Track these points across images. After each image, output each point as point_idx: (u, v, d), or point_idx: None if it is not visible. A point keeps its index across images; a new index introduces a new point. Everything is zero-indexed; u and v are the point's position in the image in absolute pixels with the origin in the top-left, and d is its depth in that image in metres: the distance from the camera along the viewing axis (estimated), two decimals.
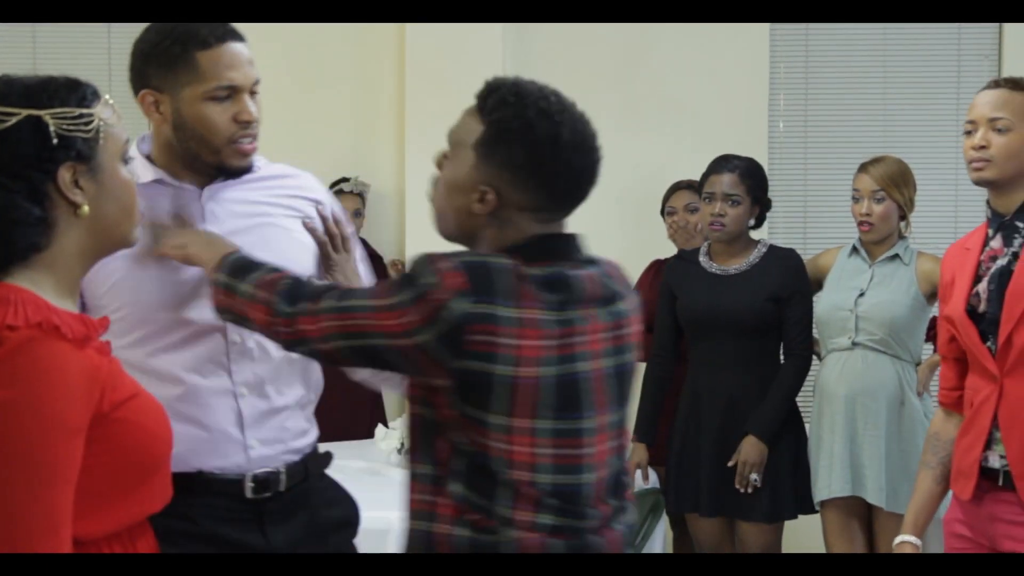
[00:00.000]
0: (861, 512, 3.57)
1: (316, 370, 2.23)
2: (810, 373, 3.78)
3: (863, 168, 3.63)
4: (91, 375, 1.50)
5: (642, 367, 3.82)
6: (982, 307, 2.60)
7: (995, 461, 2.56)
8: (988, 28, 4.81)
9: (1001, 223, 2.62)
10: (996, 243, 2.62)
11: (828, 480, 3.55)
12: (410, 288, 1.65)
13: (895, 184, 3.57)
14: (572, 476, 1.71)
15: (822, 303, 3.68)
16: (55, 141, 1.52)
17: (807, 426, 3.73)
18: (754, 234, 3.83)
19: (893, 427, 3.49)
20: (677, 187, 4.28)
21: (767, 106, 4.83)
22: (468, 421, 1.67)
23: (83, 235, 1.57)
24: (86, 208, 1.55)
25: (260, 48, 5.53)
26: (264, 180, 2.20)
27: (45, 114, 1.52)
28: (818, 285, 3.77)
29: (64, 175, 1.53)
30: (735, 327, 3.64)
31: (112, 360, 1.59)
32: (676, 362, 3.86)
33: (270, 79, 5.28)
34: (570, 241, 1.78)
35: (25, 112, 1.52)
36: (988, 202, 2.64)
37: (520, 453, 1.67)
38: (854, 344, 3.56)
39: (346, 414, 4.65)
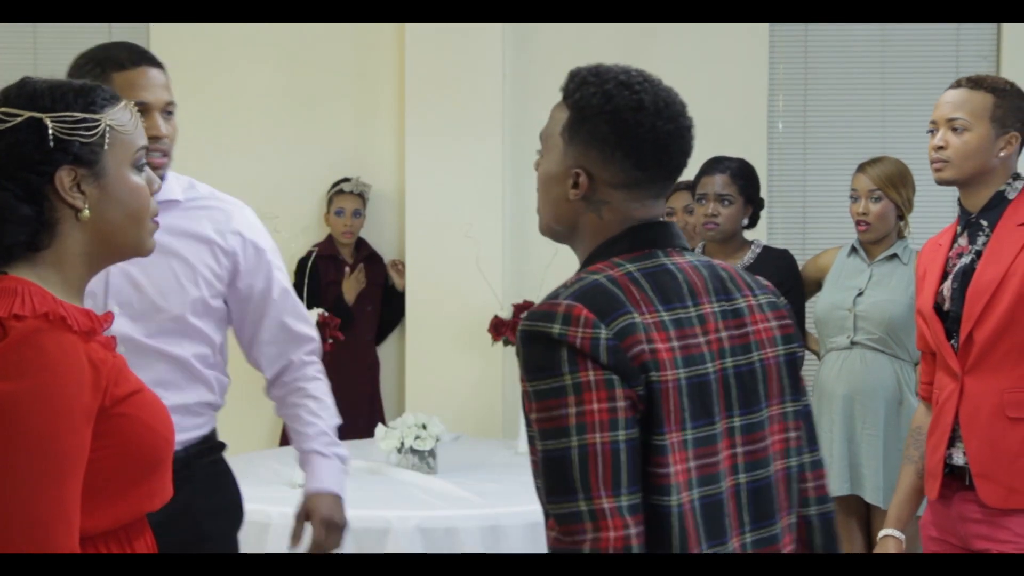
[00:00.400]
0: (860, 511, 3.58)
1: (218, 378, 2.44)
2: (808, 372, 3.78)
3: (861, 168, 3.65)
4: (97, 367, 1.51)
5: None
6: (946, 305, 2.62)
7: (959, 459, 2.58)
8: (987, 28, 4.81)
9: (968, 221, 2.64)
10: (963, 240, 2.65)
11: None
12: (552, 357, 1.57)
13: (893, 184, 3.58)
14: (710, 487, 1.63)
15: (821, 302, 3.69)
16: (51, 144, 1.53)
17: None
18: (750, 235, 3.84)
19: (891, 426, 3.50)
20: (676, 188, 4.27)
21: (766, 106, 4.84)
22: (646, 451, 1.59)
23: (87, 238, 1.58)
24: (87, 212, 1.56)
25: (260, 48, 5.59)
26: (190, 206, 2.40)
27: (46, 117, 1.54)
28: (818, 285, 3.78)
29: (63, 178, 1.54)
30: None
31: (116, 355, 1.60)
32: None
33: (270, 79, 5.34)
34: (668, 229, 1.73)
35: (27, 114, 1.53)
36: (959, 200, 2.67)
37: (680, 473, 1.59)
38: (853, 343, 3.57)
39: (343, 414, 4.66)
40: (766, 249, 3.77)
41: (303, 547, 2.40)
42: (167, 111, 2.34)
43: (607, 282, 1.62)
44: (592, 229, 1.71)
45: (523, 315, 1.63)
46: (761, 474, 1.69)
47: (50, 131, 1.53)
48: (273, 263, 2.46)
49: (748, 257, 3.74)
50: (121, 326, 2.19)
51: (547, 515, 1.59)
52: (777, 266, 3.70)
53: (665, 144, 1.69)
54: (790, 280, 3.69)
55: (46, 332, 1.47)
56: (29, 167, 1.53)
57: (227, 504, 2.42)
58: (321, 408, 2.51)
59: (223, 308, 2.41)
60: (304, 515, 2.39)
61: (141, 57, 2.30)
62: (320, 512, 2.37)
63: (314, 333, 2.55)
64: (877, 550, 2.76)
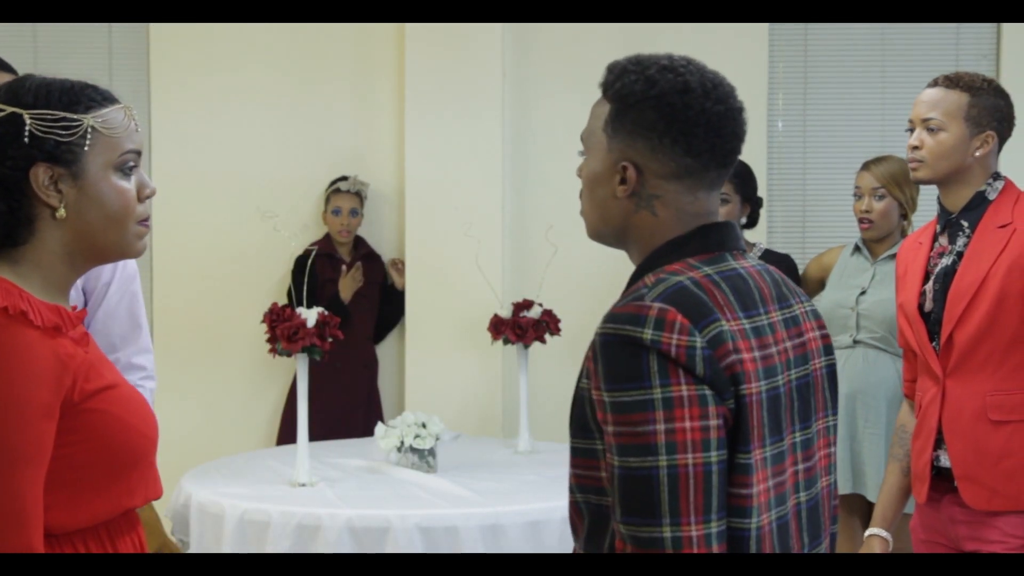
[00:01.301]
0: (862, 510, 3.59)
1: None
2: None
3: (865, 166, 3.65)
4: (61, 362, 1.50)
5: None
6: (928, 306, 2.62)
7: (946, 461, 2.58)
8: (986, 28, 4.81)
9: (948, 221, 2.64)
10: (943, 240, 2.65)
11: None
12: (640, 366, 1.45)
13: (896, 183, 3.58)
14: (783, 507, 1.55)
15: (824, 301, 3.70)
16: (27, 139, 1.54)
17: None
18: (752, 236, 3.85)
19: (893, 425, 3.50)
20: None
21: (766, 105, 4.84)
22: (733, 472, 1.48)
23: (66, 237, 1.59)
24: (62, 211, 1.56)
25: (260, 48, 5.58)
26: None
27: (25, 113, 1.54)
28: (821, 284, 3.79)
29: (38, 175, 1.55)
30: None
31: (90, 351, 1.59)
32: None
33: (270, 79, 5.33)
34: (729, 229, 1.63)
35: (9, 109, 1.55)
36: (938, 198, 2.67)
37: (762, 493, 1.50)
38: (855, 342, 3.57)
39: (342, 413, 4.67)
40: (767, 252, 3.77)
41: None
42: None
43: (692, 285, 1.51)
44: (647, 228, 1.60)
45: (605, 317, 1.50)
46: (814, 492, 1.62)
47: (27, 127, 1.54)
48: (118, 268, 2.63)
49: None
50: None
51: (622, 536, 1.46)
52: (778, 266, 3.70)
53: (717, 126, 1.57)
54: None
55: (3, 327, 1.47)
56: (3, 162, 1.53)
57: None
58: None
59: None
60: None
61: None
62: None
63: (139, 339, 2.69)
64: (863, 550, 2.75)
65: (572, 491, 1.58)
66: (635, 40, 4.81)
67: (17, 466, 1.44)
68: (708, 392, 1.45)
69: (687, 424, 1.43)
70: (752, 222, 3.81)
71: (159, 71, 4.87)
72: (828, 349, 1.69)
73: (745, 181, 3.75)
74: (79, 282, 2.38)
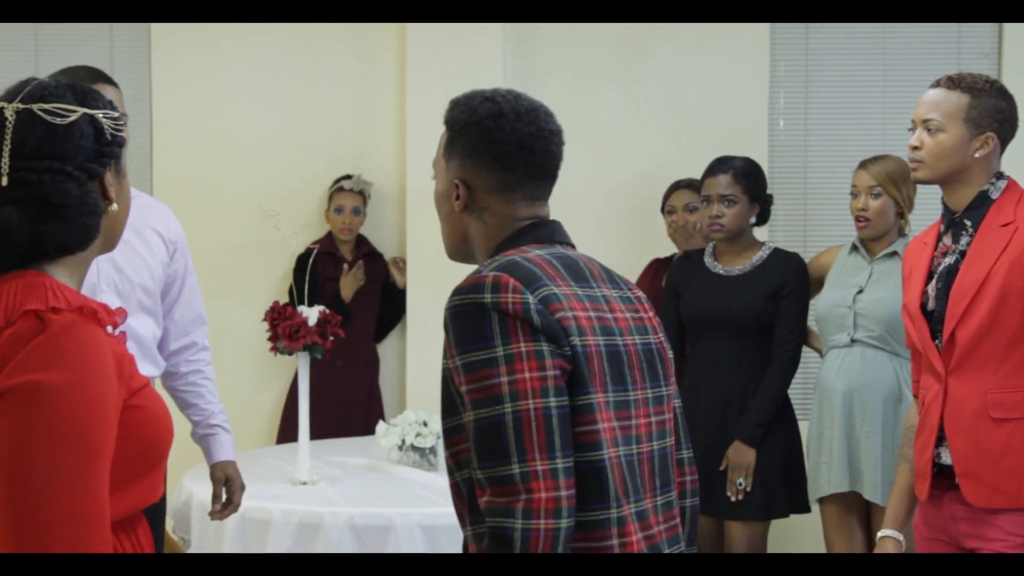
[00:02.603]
0: (860, 508, 3.59)
1: (158, 360, 2.92)
2: (810, 370, 3.79)
3: (862, 165, 3.65)
4: (119, 360, 1.55)
5: None
6: (931, 305, 2.63)
7: (948, 458, 2.59)
8: (988, 28, 4.82)
9: (951, 220, 2.65)
10: (947, 240, 2.65)
11: (827, 476, 3.57)
12: (483, 328, 1.68)
13: (893, 181, 3.58)
14: (632, 447, 1.77)
15: (822, 300, 3.70)
16: (109, 138, 1.59)
17: (806, 423, 3.74)
18: (755, 234, 3.85)
19: (890, 424, 3.51)
20: (677, 186, 4.30)
21: (767, 104, 4.84)
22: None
23: (102, 231, 1.63)
24: (115, 206, 1.62)
25: (261, 48, 5.59)
26: (139, 204, 2.80)
27: (97, 113, 1.59)
28: (819, 283, 3.79)
29: (110, 172, 1.61)
30: (735, 327, 3.69)
31: (128, 350, 1.63)
32: (680, 361, 3.88)
33: (271, 79, 5.34)
34: (557, 226, 1.88)
35: (81, 110, 1.58)
36: (942, 198, 2.67)
37: (607, 430, 1.72)
38: (853, 341, 3.57)
39: (342, 411, 4.67)
40: (776, 251, 3.78)
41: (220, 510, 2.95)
42: None
43: (523, 260, 1.75)
44: (481, 236, 1.86)
45: (450, 295, 1.73)
46: (666, 443, 1.85)
47: (105, 126, 1.59)
48: (188, 254, 3.01)
49: (757, 258, 3.76)
50: (113, 303, 2.51)
51: (479, 483, 1.67)
52: (785, 266, 3.73)
53: (528, 146, 1.82)
54: (795, 281, 3.71)
55: (82, 325, 1.50)
56: (93, 160, 1.58)
57: None
58: (215, 392, 3.08)
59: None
60: (224, 480, 2.97)
61: (98, 76, 2.72)
62: (239, 478, 2.98)
63: (206, 317, 3.07)
64: (876, 551, 2.76)
65: (452, 473, 1.76)
66: (635, 40, 4.82)
67: (99, 461, 1.48)
68: (545, 347, 1.67)
69: (527, 375, 1.65)
70: (762, 220, 3.82)
71: (160, 71, 4.88)
72: (659, 330, 1.90)
73: (753, 181, 3.76)
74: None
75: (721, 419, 3.68)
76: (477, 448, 1.66)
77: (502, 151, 1.82)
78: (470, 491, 1.72)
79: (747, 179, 3.75)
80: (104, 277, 2.74)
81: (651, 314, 1.89)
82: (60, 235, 1.55)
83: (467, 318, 1.69)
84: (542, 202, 1.88)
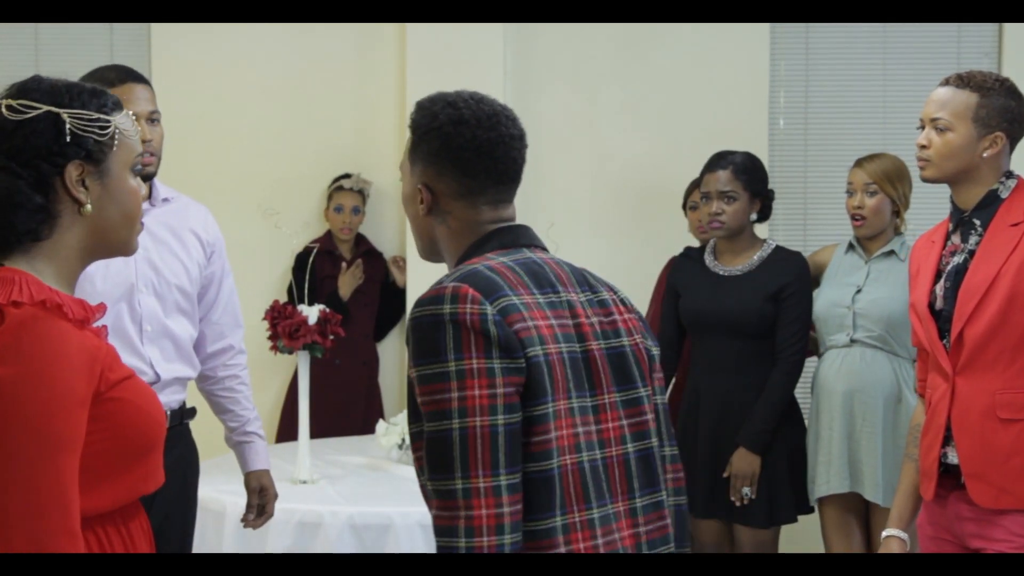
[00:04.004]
0: (859, 508, 3.59)
1: (194, 360, 2.89)
2: (809, 370, 3.78)
3: (858, 163, 3.65)
4: (92, 354, 1.56)
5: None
6: (939, 304, 2.62)
7: (954, 458, 2.58)
8: (988, 28, 4.82)
9: (960, 219, 2.64)
10: (956, 239, 2.65)
11: (826, 476, 3.56)
12: (439, 341, 1.68)
13: (889, 179, 3.58)
14: (596, 452, 1.78)
15: (820, 300, 3.69)
16: (68, 138, 1.60)
17: (807, 423, 3.73)
18: (760, 233, 3.82)
19: (889, 424, 3.50)
20: (698, 183, 4.28)
21: (767, 103, 4.85)
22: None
23: (84, 233, 1.65)
24: (89, 207, 1.63)
25: (262, 48, 5.59)
26: (177, 205, 2.89)
27: (64, 112, 1.61)
28: (816, 282, 3.78)
29: (71, 172, 1.61)
30: (735, 328, 3.63)
31: (109, 344, 1.65)
32: (680, 361, 3.86)
33: (271, 78, 5.34)
34: (523, 230, 1.88)
35: (46, 108, 1.60)
36: (951, 197, 2.67)
37: (565, 437, 1.73)
38: (852, 341, 3.57)
39: (341, 410, 4.67)
40: (778, 249, 3.72)
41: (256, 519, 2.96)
42: (151, 119, 2.74)
43: (485, 269, 1.76)
44: (447, 239, 1.88)
45: (413, 305, 1.74)
46: (647, 444, 1.84)
47: (68, 126, 1.60)
48: (225, 256, 3.02)
49: (757, 257, 3.70)
50: (150, 304, 2.73)
51: (428, 494, 1.71)
52: (785, 267, 3.67)
53: (488, 151, 1.83)
54: (798, 282, 3.65)
55: (42, 319, 1.53)
56: (44, 157, 1.59)
57: (187, 453, 2.88)
58: (250, 397, 3.04)
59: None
60: (259, 490, 2.96)
61: (128, 75, 2.73)
62: (273, 487, 2.99)
63: (242, 320, 3.07)
64: (881, 550, 2.75)
65: (419, 475, 1.79)
66: (635, 40, 4.82)
67: (60, 454, 1.50)
68: (497, 364, 1.68)
69: (476, 392, 1.66)
70: (764, 215, 3.76)
71: (160, 71, 4.88)
72: (644, 329, 1.90)
73: (754, 177, 3.69)
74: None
75: (722, 422, 3.64)
76: (428, 460, 1.69)
77: (462, 157, 1.83)
78: None
79: (747, 175, 3.68)
80: (142, 278, 2.73)
81: (629, 315, 1.89)
82: None
83: (425, 330, 1.69)
84: (506, 204, 1.89)
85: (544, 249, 1.89)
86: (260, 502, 2.97)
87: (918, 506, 2.76)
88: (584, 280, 1.87)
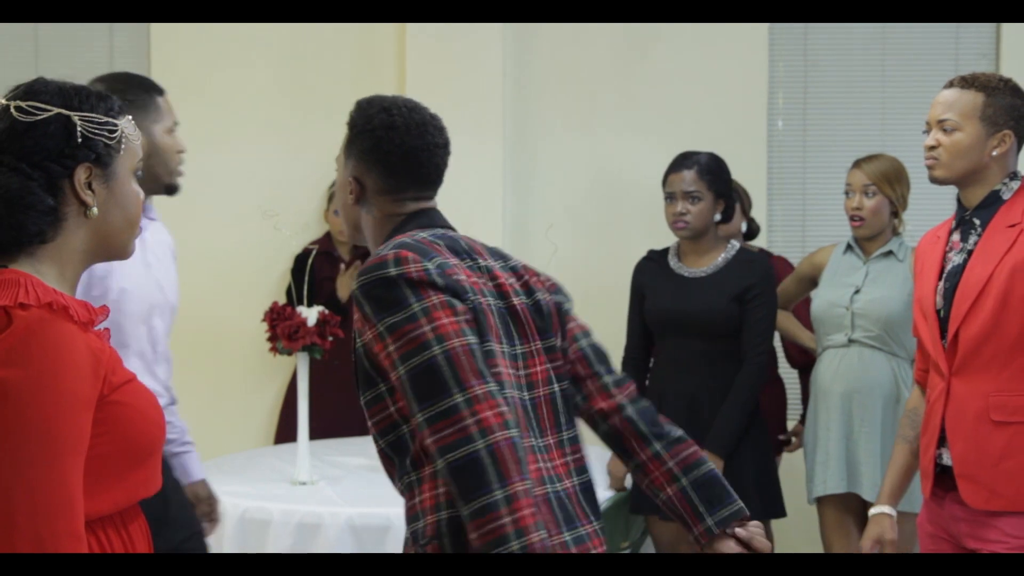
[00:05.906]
0: (857, 508, 3.59)
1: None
2: (807, 371, 3.78)
3: (856, 164, 3.66)
4: (97, 356, 1.57)
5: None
6: (938, 304, 2.63)
7: (948, 458, 2.59)
8: (986, 28, 4.82)
9: (962, 218, 2.65)
10: (956, 237, 2.66)
11: (824, 477, 3.57)
12: (395, 294, 1.88)
13: (887, 180, 3.59)
14: (525, 393, 1.98)
15: (818, 300, 3.69)
16: (79, 140, 1.62)
17: (798, 425, 3.74)
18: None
19: (889, 424, 3.51)
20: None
21: (766, 105, 4.85)
22: None
23: (88, 236, 1.66)
24: (95, 210, 1.64)
25: (261, 48, 5.58)
26: (159, 222, 2.90)
27: (75, 115, 1.62)
28: (814, 283, 3.78)
29: (80, 174, 1.62)
30: (700, 329, 3.57)
31: (111, 347, 1.66)
32: (647, 363, 3.82)
33: (271, 79, 5.33)
34: (436, 213, 2.09)
35: (56, 110, 1.61)
36: (958, 195, 2.68)
37: (506, 375, 1.93)
38: (850, 341, 3.57)
39: (339, 411, 4.66)
40: (742, 250, 3.67)
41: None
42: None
43: (412, 240, 1.96)
44: (370, 226, 2.08)
45: (356, 279, 1.92)
46: (564, 385, 2.04)
47: (78, 128, 1.62)
48: None
49: (722, 259, 3.65)
50: (159, 325, 2.78)
51: (421, 427, 1.83)
52: (750, 268, 3.62)
53: (413, 158, 2.04)
54: (762, 283, 3.59)
55: (49, 321, 1.54)
56: (54, 159, 1.60)
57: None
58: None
59: None
60: (207, 496, 2.93)
61: (142, 85, 2.80)
62: (215, 495, 2.96)
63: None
64: (870, 526, 2.78)
65: (376, 440, 1.95)
66: (635, 40, 4.83)
67: (66, 456, 1.51)
68: (452, 298, 1.89)
69: (445, 320, 1.86)
70: (726, 217, 3.73)
71: (160, 71, 4.87)
72: (557, 289, 2.12)
73: (718, 177, 3.64)
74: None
75: (687, 424, 3.58)
76: (416, 394, 1.83)
77: (390, 160, 2.03)
78: (396, 450, 1.92)
79: (712, 175, 3.62)
80: (155, 298, 2.79)
81: (540, 277, 2.09)
82: None
83: (379, 290, 1.87)
84: (427, 199, 2.09)
85: (454, 229, 2.08)
86: (209, 509, 2.95)
87: (908, 484, 2.80)
88: (497, 252, 2.08)
